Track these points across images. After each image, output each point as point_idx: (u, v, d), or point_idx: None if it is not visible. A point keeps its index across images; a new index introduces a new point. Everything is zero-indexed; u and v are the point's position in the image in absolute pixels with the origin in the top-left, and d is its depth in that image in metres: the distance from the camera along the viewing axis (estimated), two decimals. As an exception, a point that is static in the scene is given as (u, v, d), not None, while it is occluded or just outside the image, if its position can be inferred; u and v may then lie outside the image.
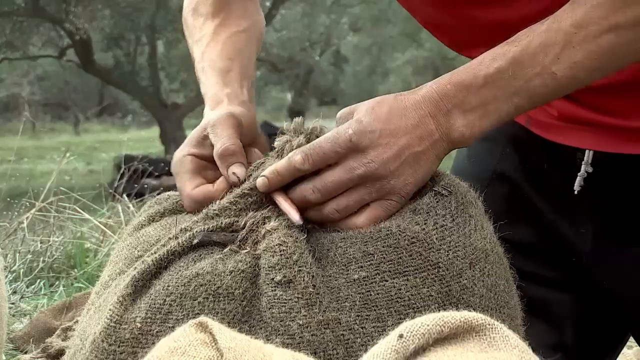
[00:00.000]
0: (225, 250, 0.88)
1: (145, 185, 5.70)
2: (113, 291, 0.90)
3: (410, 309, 0.82)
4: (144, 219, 1.02)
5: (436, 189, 0.92)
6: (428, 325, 0.65)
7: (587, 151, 1.10)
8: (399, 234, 0.86)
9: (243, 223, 0.91)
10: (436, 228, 0.89)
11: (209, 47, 1.14)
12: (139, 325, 0.83)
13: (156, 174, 6.72)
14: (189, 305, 0.83)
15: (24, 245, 3.79)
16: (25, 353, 2.62)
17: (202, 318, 0.70)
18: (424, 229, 0.88)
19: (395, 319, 0.82)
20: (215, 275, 0.84)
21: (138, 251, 0.95)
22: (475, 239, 0.90)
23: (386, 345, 0.64)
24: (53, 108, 25.32)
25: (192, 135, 1.01)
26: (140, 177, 5.99)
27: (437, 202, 0.91)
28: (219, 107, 1.05)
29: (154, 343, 0.81)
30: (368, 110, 0.89)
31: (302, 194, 0.89)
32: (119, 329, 0.84)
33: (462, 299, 0.85)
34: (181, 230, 0.93)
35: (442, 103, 0.89)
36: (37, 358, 2.17)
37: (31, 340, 2.81)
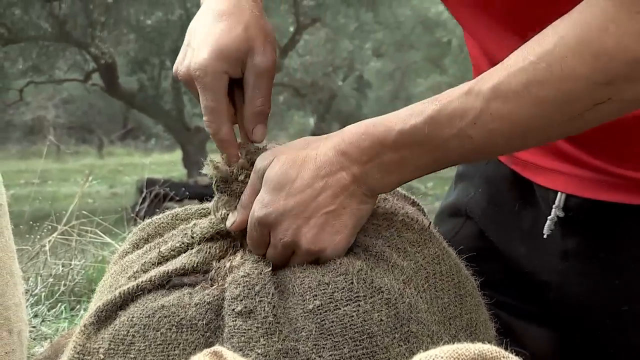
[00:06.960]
0: (196, 288, 0.89)
1: (167, 210, 5.72)
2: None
3: (365, 335, 0.82)
4: (128, 246, 1.03)
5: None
6: (442, 358, 0.65)
7: (559, 194, 1.07)
8: (348, 263, 0.87)
9: (215, 266, 0.92)
10: None
11: None
12: (101, 356, 0.84)
13: (177, 198, 6.76)
14: (151, 336, 0.84)
15: (45, 269, 3.80)
16: (45, 377, 2.60)
17: (217, 347, 0.70)
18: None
19: (351, 346, 0.82)
20: (181, 307, 0.86)
21: (122, 278, 0.95)
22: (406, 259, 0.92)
23: (402, 377, 0.64)
24: (77, 131, 25.54)
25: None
26: (162, 201, 6.02)
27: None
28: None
29: None
30: (274, 182, 0.89)
31: None
32: (83, 359, 0.84)
33: (412, 318, 0.85)
34: (158, 257, 0.94)
35: (357, 155, 0.88)
36: (57, 383, 2.16)
37: (51, 364, 2.80)
